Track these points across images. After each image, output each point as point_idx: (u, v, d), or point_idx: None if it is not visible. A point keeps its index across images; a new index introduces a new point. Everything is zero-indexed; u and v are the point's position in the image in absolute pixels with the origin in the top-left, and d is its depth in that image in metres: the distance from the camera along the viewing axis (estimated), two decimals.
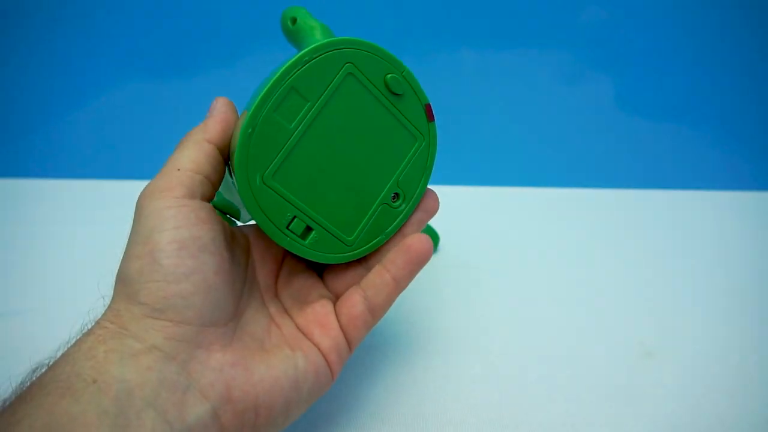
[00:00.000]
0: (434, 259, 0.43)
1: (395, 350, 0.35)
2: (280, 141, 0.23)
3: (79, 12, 0.60)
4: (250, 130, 0.22)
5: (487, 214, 0.52)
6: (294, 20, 0.28)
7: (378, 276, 0.27)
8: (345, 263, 0.28)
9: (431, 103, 0.27)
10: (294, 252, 0.25)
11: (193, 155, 0.24)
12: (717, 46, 0.58)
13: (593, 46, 0.60)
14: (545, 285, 0.41)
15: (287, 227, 0.24)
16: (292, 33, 0.28)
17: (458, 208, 0.49)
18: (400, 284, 0.27)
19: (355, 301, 0.26)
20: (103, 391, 0.19)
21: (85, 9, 0.60)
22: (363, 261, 0.28)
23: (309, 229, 0.25)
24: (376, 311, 0.27)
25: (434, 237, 0.45)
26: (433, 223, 0.45)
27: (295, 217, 0.24)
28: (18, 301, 0.39)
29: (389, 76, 0.25)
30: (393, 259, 0.26)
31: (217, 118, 0.25)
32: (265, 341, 0.25)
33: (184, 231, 0.22)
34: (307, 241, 0.25)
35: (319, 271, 0.29)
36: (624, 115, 0.59)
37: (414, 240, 0.26)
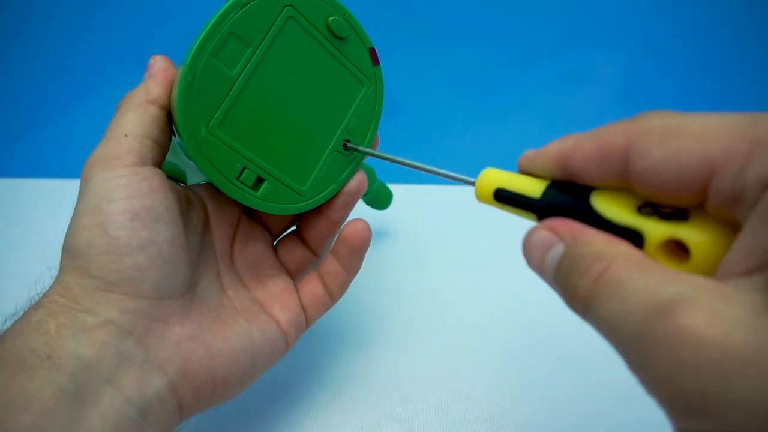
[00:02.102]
0: (431, 257, 0.43)
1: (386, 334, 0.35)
2: (223, 89, 0.22)
3: (80, 11, 0.60)
4: (190, 78, 0.21)
5: (485, 214, 0.52)
6: None
7: (331, 264, 0.27)
8: (297, 243, 0.28)
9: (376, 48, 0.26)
10: (247, 204, 0.24)
11: (138, 119, 0.23)
12: (718, 45, 0.58)
13: (594, 46, 0.60)
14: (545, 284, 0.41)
15: (237, 178, 0.23)
16: None
17: (456, 207, 0.49)
18: (350, 270, 0.27)
19: (315, 283, 0.28)
20: (59, 368, 0.18)
21: (86, 8, 0.60)
22: (307, 243, 0.28)
23: (260, 179, 0.24)
24: (333, 295, 0.28)
25: (387, 194, 0.42)
26: (433, 221, 0.44)
27: (245, 168, 0.23)
28: (18, 301, 0.39)
29: (331, 18, 0.24)
30: (338, 249, 0.27)
31: (158, 78, 0.24)
32: (220, 312, 0.25)
33: (136, 201, 0.21)
34: (259, 193, 0.24)
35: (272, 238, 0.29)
36: (626, 113, 0.59)
37: (349, 231, 0.27)
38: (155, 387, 0.21)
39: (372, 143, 0.28)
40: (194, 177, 0.31)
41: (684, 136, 0.14)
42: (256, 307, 0.26)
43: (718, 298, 0.12)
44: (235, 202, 0.27)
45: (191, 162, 0.29)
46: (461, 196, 0.55)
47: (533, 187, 0.18)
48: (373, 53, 0.26)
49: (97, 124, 0.61)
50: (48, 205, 0.52)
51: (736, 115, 0.14)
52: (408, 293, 0.39)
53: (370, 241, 0.27)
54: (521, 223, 0.23)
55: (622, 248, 0.15)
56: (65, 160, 0.58)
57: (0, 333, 0.20)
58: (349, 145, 0.26)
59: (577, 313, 0.15)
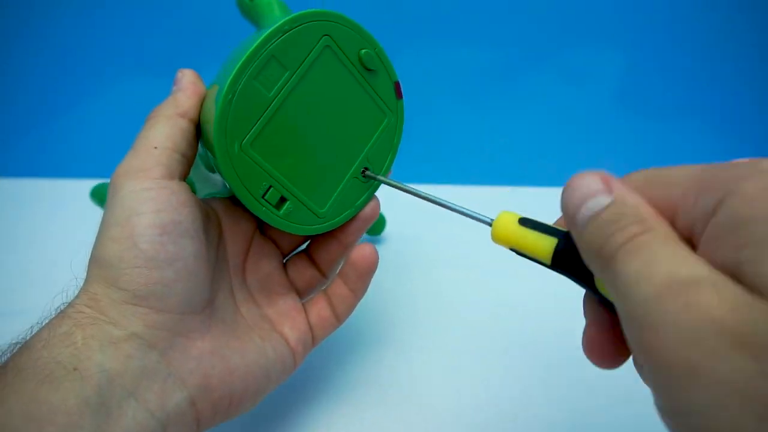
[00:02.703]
0: (434, 257, 0.43)
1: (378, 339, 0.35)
2: (259, 109, 0.23)
3: (80, 11, 0.60)
4: (230, 96, 0.22)
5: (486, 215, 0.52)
6: None
7: (338, 287, 0.28)
8: (306, 262, 0.29)
9: (400, 81, 0.27)
10: (268, 222, 0.25)
11: (168, 132, 0.23)
12: (719, 44, 0.58)
13: (594, 46, 0.60)
14: (544, 284, 0.41)
15: (263, 196, 0.24)
16: (249, 8, 0.29)
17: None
18: (358, 293, 0.28)
19: (323, 305, 0.28)
20: (84, 380, 0.19)
21: (86, 8, 0.60)
22: (317, 263, 0.29)
23: (283, 199, 0.25)
24: (340, 317, 0.28)
25: (381, 221, 0.44)
26: (433, 220, 0.44)
27: (270, 186, 0.24)
28: (18, 301, 0.39)
29: (363, 51, 0.25)
30: (346, 272, 0.28)
31: (188, 92, 0.24)
32: (236, 328, 0.25)
33: (164, 215, 0.21)
34: (281, 212, 0.25)
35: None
36: (624, 113, 0.59)
37: (357, 255, 0.27)
38: (176, 401, 0.21)
39: (387, 172, 0.29)
40: (203, 189, 0.32)
41: (656, 187, 0.17)
42: (266, 325, 0.27)
43: (724, 286, 0.13)
44: (249, 219, 0.28)
45: (205, 174, 0.30)
46: (461, 196, 0.55)
47: (543, 250, 0.20)
48: (397, 87, 0.27)
49: (97, 124, 0.61)
50: (48, 205, 0.52)
51: (696, 166, 0.16)
52: (408, 294, 0.40)
53: (377, 265, 0.28)
54: None
55: (661, 222, 0.16)
56: (65, 160, 0.58)
57: (25, 341, 0.20)
58: (367, 173, 0.27)
59: (594, 266, 0.16)
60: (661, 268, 0.14)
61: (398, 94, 0.27)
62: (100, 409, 0.19)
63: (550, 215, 0.26)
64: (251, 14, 0.29)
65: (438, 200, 0.24)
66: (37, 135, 0.61)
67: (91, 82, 0.61)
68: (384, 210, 0.42)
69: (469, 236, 0.38)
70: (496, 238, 0.21)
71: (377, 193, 0.28)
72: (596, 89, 0.59)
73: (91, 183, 0.54)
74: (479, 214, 0.23)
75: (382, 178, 0.27)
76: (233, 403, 0.23)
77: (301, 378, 0.32)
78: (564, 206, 0.18)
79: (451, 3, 0.59)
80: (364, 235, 0.44)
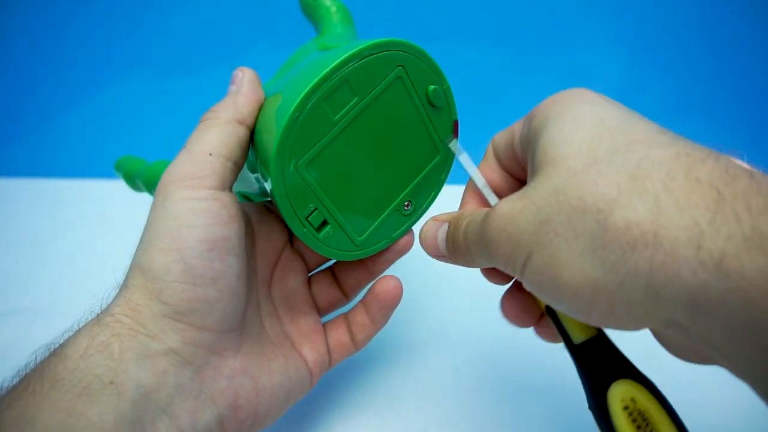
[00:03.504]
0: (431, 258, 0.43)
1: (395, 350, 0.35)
2: (322, 131, 0.23)
3: (80, 11, 0.60)
4: (297, 114, 0.22)
5: None
6: None
7: (359, 315, 0.28)
8: (330, 281, 0.29)
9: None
10: (306, 243, 0.24)
11: (224, 138, 0.22)
12: (719, 44, 0.58)
13: (594, 46, 0.60)
14: None
15: (306, 218, 0.24)
16: (311, 8, 0.28)
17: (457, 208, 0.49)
18: (378, 324, 0.28)
19: (343, 330, 0.28)
20: (121, 395, 0.18)
21: (85, 8, 0.60)
22: (341, 285, 0.29)
23: (325, 222, 0.24)
24: (358, 344, 0.28)
25: None
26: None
27: (316, 209, 0.24)
28: (18, 301, 0.39)
29: (432, 87, 0.25)
30: (369, 302, 0.27)
31: (249, 96, 0.23)
32: (263, 345, 0.25)
33: (216, 230, 0.21)
34: (321, 235, 0.24)
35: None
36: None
37: (381, 288, 0.27)
38: (207, 419, 0.21)
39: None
40: (237, 186, 0.31)
41: (504, 132, 0.24)
42: (288, 343, 0.26)
43: (510, 197, 0.19)
44: (282, 230, 0.28)
45: (243, 173, 0.29)
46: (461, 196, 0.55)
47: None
48: (455, 126, 0.27)
49: (97, 124, 0.61)
50: (48, 205, 0.52)
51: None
52: (409, 296, 0.39)
53: (400, 299, 0.27)
54: None
55: (478, 209, 0.22)
56: (65, 160, 0.58)
57: (60, 347, 0.20)
58: (451, 144, 0.27)
59: (468, 262, 0.22)
60: (479, 219, 0.20)
61: (455, 133, 0.27)
62: (135, 426, 0.19)
63: None
64: (312, 13, 0.29)
65: None
66: (37, 135, 0.61)
67: (91, 82, 0.61)
68: None
69: None
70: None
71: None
72: (596, 89, 0.59)
73: (91, 183, 0.54)
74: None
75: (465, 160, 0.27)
76: (256, 422, 0.23)
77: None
78: (430, 254, 0.24)
79: (452, 4, 0.59)
80: None
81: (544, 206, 0.17)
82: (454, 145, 0.27)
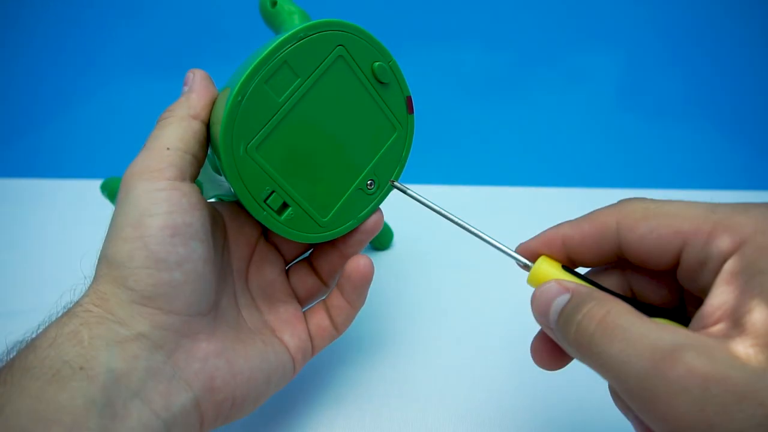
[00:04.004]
0: (436, 257, 0.43)
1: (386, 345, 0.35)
2: (268, 113, 0.23)
3: (79, 11, 0.60)
4: (239, 98, 0.22)
5: (486, 214, 0.52)
6: (274, 3, 0.29)
7: (336, 298, 0.28)
8: (308, 271, 0.29)
9: (413, 96, 0.27)
10: (268, 226, 0.25)
11: (180, 133, 0.23)
12: (719, 43, 0.58)
13: (594, 46, 0.60)
14: None
15: (265, 201, 0.24)
16: (271, 15, 0.29)
17: (457, 208, 0.49)
18: (355, 304, 0.28)
19: (322, 315, 0.28)
20: (91, 380, 0.19)
21: (85, 8, 0.60)
22: (318, 272, 0.29)
23: (285, 205, 0.25)
24: (339, 327, 0.28)
25: (389, 234, 0.44)
26: (435, 220, 0.44)
27: (273, 191, 0.24)
28: (18, 301, 0.39)
29: (377, 64, 0.25)
30: (342, 284, 0.28)
31: (201, 93, 0.25)
32: (239, 331, 0.25)
33: (176, 217, 0.21)
34: (282, 218, 0.25)
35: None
36: (625, 114, 0.59)
37: (352, 267, 0.27)
38: (181, 402, 0.21)
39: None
40: (210, 191, 0.32)
41: (661, 217, 0.19)
42: (267, 331, 0.27)
43: (709, 345, 0.15)
44: (254, 224, 0.28)
45: (212, 176, 0.30)
46: (462, 196, 0.55)
47: None
48: (409, 101, 0.27)
49: (97, 124, 0.61)
50: (48, 205, 0.52)
51: (700, 203, 0.19)
52: (410, 296, 0.39)
53: (372, 277, 0.27)
54: (524, 224, 0.23)
55: (617, 301, 0.18)
56: (65, 160, 0.58)
57: (31, 340, 0.20)
58: (396, 184, 0.27)
59: (579, 352, 0.18)
60: (643, 342, 0.16)
61: (409, 109, 0.27)
62: (106, 410, 0.19)
63: (550, 214, 0.26)
64: (272, 21, 0.29)
65: (470, 228, 0.25)
66: (37, 135, 0.61)
67: (91, 83, 0.61)
68: (388, 220, 0.42)
69: (471, 243, 0.38)
70: (535, 284, 0.22)
71: (382, 206, 0.28)
72: (597, 89, 0.59)
73: (91, 183, 0.54)
74: (516, 255, 0.23)
75: (412, 192, 0.27)
76: (235, 406, 0.24)
77: (303, 377, 0.32)
78: (537, 315, 0.21)
79: (452, 5, 0.59)
80: (372, 250, 0.44)
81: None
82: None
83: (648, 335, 0.16)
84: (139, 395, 0.20)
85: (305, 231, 0.26)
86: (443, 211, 0.26)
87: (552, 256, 0.22)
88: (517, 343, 0.35)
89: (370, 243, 0.43)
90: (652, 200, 0.20)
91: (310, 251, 0.30)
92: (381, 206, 0.28)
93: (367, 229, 0.28)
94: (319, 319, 0.28)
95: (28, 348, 0.19)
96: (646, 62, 0.60)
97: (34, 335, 0.20)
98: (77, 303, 0.21)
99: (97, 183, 0.54)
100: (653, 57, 0.59)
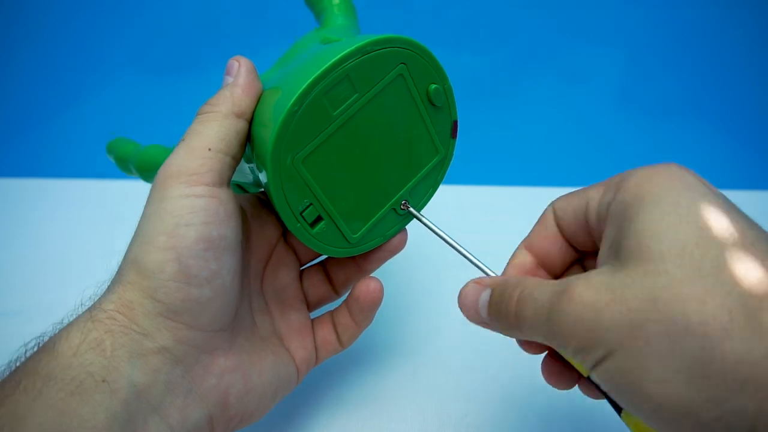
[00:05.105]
0: (438, 259, 0.43)
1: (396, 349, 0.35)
2: (320, 126, 0.22)
3: (79, 11, 0.60)
4: (296, 109, 0.21)
5: (486, 214, 0.52)
6: None
7: (343, 316, 0.27)
8: (322, 278, 0.29)
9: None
10: (299, 238, 0.24)
11: (223, 133, 0.22)
12: (719, 43, 0.58)
13: (594, 46, 0.60)
14: None
15: (301, 213, 0.23)
16: None
17: (458, 208, 0.49)
18: (360, 325, 0.27)
19: (329, 329, 0.28)
20: (113, 393, 0.18)
21: (85, 8, 0.60)
22: (332, 281, 0.29)
23: (320, 218, 0.24)
24: (343, 343, 0.28)
25: None
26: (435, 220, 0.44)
27: (310, 204, 0.23)
28: (18, 301, 0.39)
29: (433, 86, 0.25)
30: (350, 304, 0.27)
31: (246, 89, 0.23)
32: (253, 342, 0.25)
33: (213, 228, 0.21)
34: (314, 231, 0.24)
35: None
36: (624, 113, 0.59)
37: (362, 290, 0.26)
38: (196, 417, 0.21)
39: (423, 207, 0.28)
40: (233, 177, 0.31)
41: (574, 194, 0.22)
42: (276, 339, 0.26)
43: (589, 277, 0.18)
44: (276, 224, 0.27)
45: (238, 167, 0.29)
46: (462, 196, 0.55)
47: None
48: (455, 126, 0.26)
49: (97, 124, 0.61)
50: (48, 205, 0.52)
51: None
52: (411, 295, 0.39)
53: (381, 301, 0.27)
54: (524, 224, 0.23)
55: (530, 279, 0.21)
56: (65, 160, 0.58)
57: (52, 342, 0.19)
58: (409, 209, 0.26)
59: (512, 333, 0.21)
60: (544, 295, 0.19)
61: (453, 134, 0.27)
62: (127, 425, 0.18)
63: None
64: (315, 4, 0.29)
65: (467, 254, 0.25)
66: (37, 135, 0.61)
67: (91, 82, 0.61)
68: None
69: (478, 236, 0.38)
70: None
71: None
72: (597, 89, 0.59)
73: (92, 183, 0.54)
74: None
75: (426, 220, 0.26)
76: (243, 420, 0.24)
77: (305, 378, 0.32)
78: (469, 317, 0.23)
79: (452, 5, 0.59)
80: None
81: (636, 309, 0.16)
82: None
83: (548, 287, 0.19)
84: (158, 411, 0.20)
85: (333, 245, 0.25)
86: (455, 244, 0.25)
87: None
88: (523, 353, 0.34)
89: None
90: (573, 191, 0.22)
91: (326, 256, 0.29)
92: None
93: (391, 249, 0.27)
94: (326, 333, 0.28)
95: (49, 353, 0.19)
96: (645, 62, 0.60)
97: (54, 334, 0.20)
98: (101, 307, 0.20)
99: (97, 183, 0.54)
100: (652, 57, 0.60)
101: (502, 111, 0.60)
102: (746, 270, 0.15)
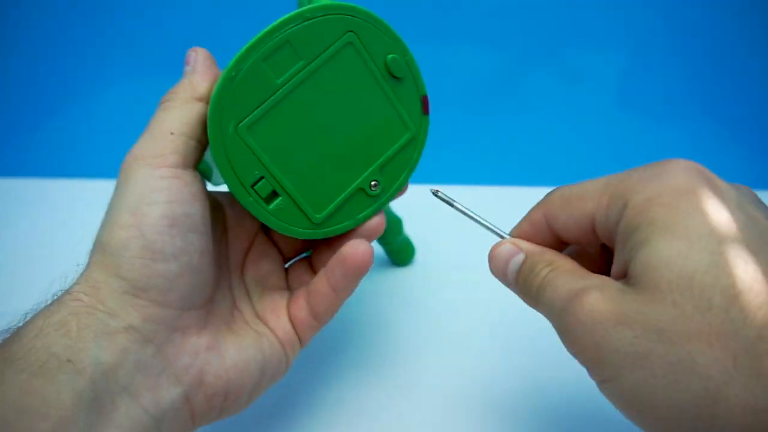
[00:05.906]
0: (432, 261, 0.43)
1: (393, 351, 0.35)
2: (264, 94, 0.22)
3: (79, 11, 0.60)
4: (233, 74, 0.21)
5: (486, 215, 0.52)
6: None
7: (319, 284, 0.25)
8: (307, 267, 0.28)
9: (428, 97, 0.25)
10: (254, 214, 0.23)
11: (184, 117, 0.22)
12: (719, 44, 0.58)
13: (593, 46, 0.60)
14: None
15: (252, 186, 0.23)
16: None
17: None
18: (340, 294, 0.25)
19: (300, 305, 0.26)
20: (78, 373, 0.18)
21: (85, 8, 0.60)
22: (316, 273, 0.27)
23: (275, 194, 0.23)
24: (319, 317, 0.26)
25: (410, 249, 0.41)
26: (432, 222, 0.44)
27: (262, 177, 0.23)
28: (18, 301, 0.39)
29: (391, 56, 0.24)
30: (332, 267, 0.25)
31: (204, 74, 0.23)
32: (232, 324, 0.24)
33: (176, 207, 0.21)
34: (270, 207, 0.23)
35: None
36: (625, 113, 0.59)
37: (350, 250, 0.24)
38: (171, 397, 0.21)
39: (400, 191, 0.27)
40: (219, 179, 0.31)
41: (574, 201, 0.21)
42: (258, 321, 0.26)
43: (605, 288, 0.18)
44: (254, 217, 0.27)
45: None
46: (462, 196, 0.55)
47: None
48: (425, 101, 0.25)
49: (97, 124, 0.61)
50: (48, 205, 0.52)
51: (602, 178, 0.21)
52: (412, 294, 0.39)
53: (368, 268, 0.25)
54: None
55: (563, 260, 0.21)
56: (65, 160, 0.58)
57: (17, 329, 0.19)
58: (440, 194, 0.25)
59: (531, 303, 0.22)
60: (563, 288, 0.19)
61: (425, 110, 0.25)
62: (94, 404, 0.18)
63: None
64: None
65: (474, 216, 0.25)
66: (37, 135, 0.61)
67: (91, 82, 0.61)
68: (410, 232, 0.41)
69: (479, 235, 0.38)
70: None
71: (407, 218, 0.26)
72: (597, 89, 0.59)
73: (92, 183, 0.54)
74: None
75: (456, 203, 0.25)
76: (229, 399, 0.23)
77: (302, 378, 0.32)
78: (494, 272, 0.23)
79: (452, 5, 0.59)
80: (391, 266, 0.42)
81: (644, 338, 0.16)
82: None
83: (569, 282, 0.19)
84: (128, 390, 0.19)
85: (295, 225, 0.24)
86: (489, 225, 0.24)
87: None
88: (524, 338, 0.34)
89: (391, 259, 0.41)
90: (568, 186, 0.22)
91: (311, 251, 0.29)
92: (405, 218, 0.27)
93: (365, 233, 0.26)
94: (296, 309, 0.26)
95: (12, 337, 0.19)
96: (645, 62, 0.60)
97: (20, 324, 0.19)
98: (67, 291, 0.20)
99: (97, 183, 0.54)
100: (652, 57, 0.59)
101: (502, 111, 0.60)
102: (758, 306, 0.15)
